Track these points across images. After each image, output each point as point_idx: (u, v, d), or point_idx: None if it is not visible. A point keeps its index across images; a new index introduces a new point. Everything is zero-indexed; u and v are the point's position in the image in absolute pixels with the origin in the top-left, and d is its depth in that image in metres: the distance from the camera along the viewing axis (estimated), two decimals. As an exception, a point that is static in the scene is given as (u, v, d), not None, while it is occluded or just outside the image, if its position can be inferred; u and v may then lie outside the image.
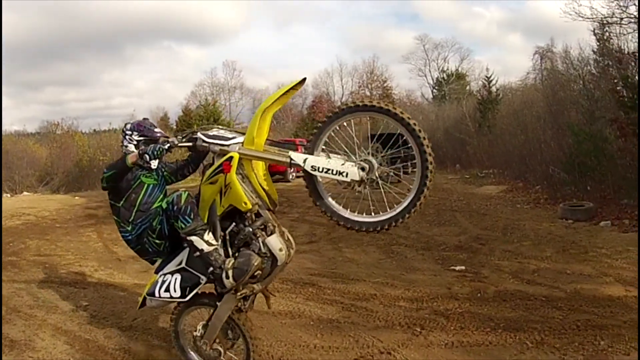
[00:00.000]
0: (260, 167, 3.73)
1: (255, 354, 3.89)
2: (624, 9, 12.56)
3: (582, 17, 13.71)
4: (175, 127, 38.48)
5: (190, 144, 3.72)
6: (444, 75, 48.05)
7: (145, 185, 3.99)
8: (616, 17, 12.91)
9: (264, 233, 3.68)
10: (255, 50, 71.35)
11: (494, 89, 29.74)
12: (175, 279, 3.74)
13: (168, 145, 3.68)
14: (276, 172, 21.14)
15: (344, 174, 3.31)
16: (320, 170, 3.36)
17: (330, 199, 3.55)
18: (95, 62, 64.42)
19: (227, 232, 3.67)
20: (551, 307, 5.68)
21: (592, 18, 13.60)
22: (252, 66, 68.13)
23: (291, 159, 3.46)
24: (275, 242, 3.65)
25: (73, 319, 5.83)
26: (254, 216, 3.64)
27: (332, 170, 3.34)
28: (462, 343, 4.82)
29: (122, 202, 3.91)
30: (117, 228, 4.08)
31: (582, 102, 14.61)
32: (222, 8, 69.50)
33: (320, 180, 3.51)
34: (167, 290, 3.73)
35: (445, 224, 11.31)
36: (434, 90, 48.44)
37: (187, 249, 3.74)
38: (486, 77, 30.64)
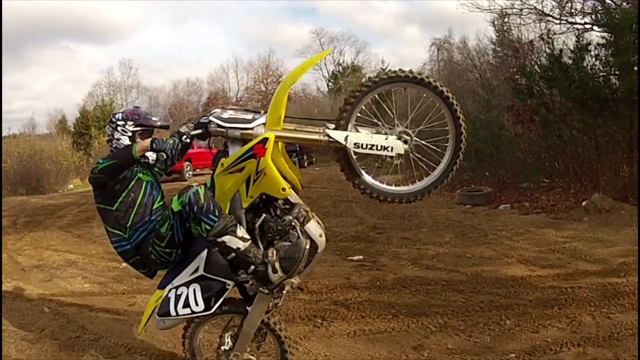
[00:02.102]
0: (282, 149, 3.45)
1: (291, 355, 3.67)
2: (524, 0, 13.04)
3: (479, 8, 14.07)
4: (72, 129, 37.46)
5: (200, 131, 3.36)
6: (340, 68, 48.82)
7: (144, 183, 3.58)
8: (516, 8, 13.41)
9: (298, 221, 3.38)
10: (153, 48, 69.78)
11: None
12: (194, 290, 3.36)
13: (185, 137, 3.35)
14: (174, 171, 20.38)
15: (389, 149, 3.27)
16: (364, 147, 3.26)
17: (366, 175, 3.44)
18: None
19: (257, 225, 3.34)
20: (453, 290, 5.73)
21: (490, 9, 14.02)
22: (149, 64, 67.71)
23: (329, 137, 3.26)
24: (315, 227, 3.39)
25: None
26: (281, 204, 3.37)
27: (377, 146, 3.27)
28: (365, 331, 4.82)
29: (116, 205, 3.48)
30: (108, 238, 3.66)
31: (479, 91, 14.99)
32: (120, 5, 66.51)
33: (354, 156, 3.37)
34: (187, 305, 3.34)
35: (342, 214, 11.24)
36: (330, 84, 48.82)
37: (204, 254, 3.37)
38: (382, 69, 31.21)
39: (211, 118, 3.32)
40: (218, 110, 3.40)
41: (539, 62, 11.76)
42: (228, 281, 3.35)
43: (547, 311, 4.93)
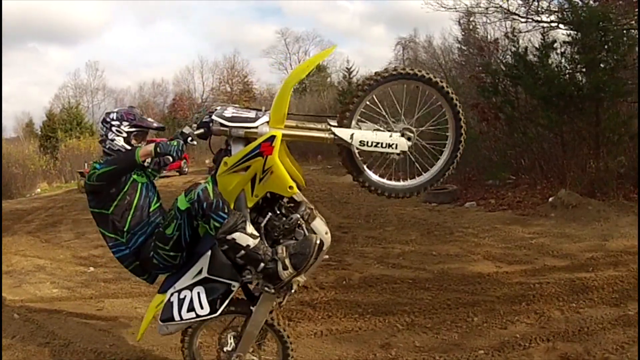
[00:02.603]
0: (284, 147, 3.43)
1: (294, 352, 3.67)
2: None
3: (444, 7, 13.99)
4: (40, 132, 36.95)
5: (202, 130, 3.29)
6: None
7: (140, 185, 3.50)
8: (481, 7, 13.39)
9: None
10: (119, 49, 68.36)
11: (354, 80, 30.94)
12: (198, 293, 3.32)
13: (191, 139, 3.26)
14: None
15: (394, 146, 3.30)
16: (369, 144, 3.29)
17: (368, 171, 3.45)
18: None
19: (262, 225, 3.30)
20: (419, 288, 5.71)
21: (455, 8, 14.03)
22: (115, 66, 66.53)
23: (335, 136, 3.26)
24: (320, 225, 3.36)
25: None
26: (286, 202, 3.34)
27: (382, 144, 3.30)
28: (332, 331, 4.79)
29: (112, 209, 3.39)
30: (105, 242, 3.56)
31: None
32: (86, 6, 64.85)
33: (357, 153, 3.38)
34: (192, 309, 3.30)
35: (307, 215, 11.05)
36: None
37: (207, 255, 3.31)
38: (347, 68, 31.83)
39: (214, 117, 3.25)
40: (218, 108, 3.37)
41: (504, 60, 11.86)
42: (233, 282, 3.32)
43: (514, 307, 4.93)
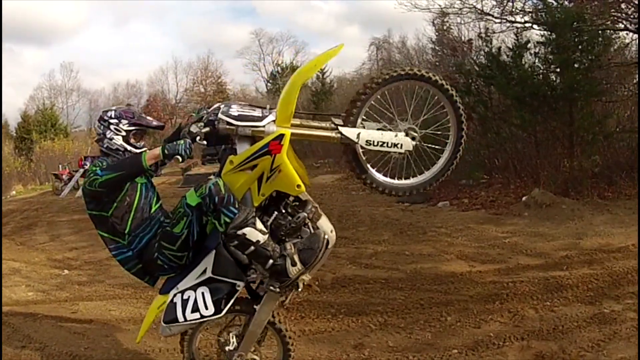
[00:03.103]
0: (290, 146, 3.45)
1: (294, 353, 3.70)
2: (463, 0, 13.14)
3: (417, 8, 13.88)
4: (14, 134, 37.08)
5: (208, 129, 3.27)
6: (279, 68, 48.94)
7: (139, 186, 3.41)
8: (455, 7, 13.39)
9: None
10: (94, 50, 67.71)
11: (328, 80, 30.99)
12: (202, 294, 3.30)
13: (199, 138, 3.23)
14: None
15: (399, 146, 3.34)
16: (376, 144, 3.33)
17: (372, 170, 3.50)
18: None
19: (268, 224, 3.30)
20: (392, 288, 5.71)
21: (429, 9, 14.03)
22: (89, 66, 68.14)
23: (342, 135, 3.29)
24: (326, 223, 3.42)
25: None
26: (291, 201, 3.38)
27: (387, 143, 3.34)
28: (305, 332, 4.79)
29: (111, 211, 3.31)
30: (104, 244, 3.50)
31: (417, 90, 14.80)
32: (61, 6, 63.95)
33: (361, 152, 3.43)
34: (196, 309, 3.28)
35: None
36: (269, 84, 48.75)
37: (211, 255, 3.29)
38: (320, 69, 31.25)
39: (220, 115, 3.24)
40: (222, 106, 3.36)
41: (477, 61, 11.93)
42: (238, 282, 3.32)
43: (488, 306, 4.94)
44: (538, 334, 4.26)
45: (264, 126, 3.19)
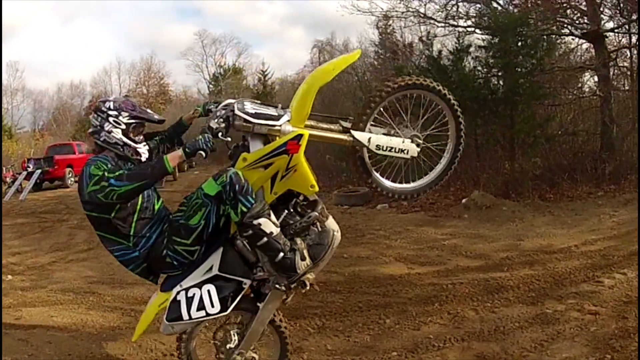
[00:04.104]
0: None
1: (291, 346, 3.75)
2: (406, 3, 13.39)
3: (360, 11, 14.27)
4: None
5: (224, 125, 3.30)
6: (221, 70, 49.67)
7: None
8: (397, 11, 13.70)
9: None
10: (38, 49, 65.91)
11: (269, 82, 31.88)
12: (208, 291, 3.31)
13: (221, 134, 3.22)
14: (55, 177, 20.63)
15: (405, 152, 3.52)
16: (384, 149, 3.48)
17: (376, 174, 3.66)
18: None
19: (279, 222, 3.32)
20: (330, 291, 5.63)
21: (371, 12, 14.29)
22: (34, 66, 66.60)
23: (354, 138, 3.42)
24: (333, 223, 3.50)
25: None
26: (301, 200, 3.46)
27: (395, 149, 3.50)
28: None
29: (114, 213, 3.22)
30: (103, 244, 3.42)
31: (357, 93, 15.32)
32: (6, 3, 61.81)
33: (368, 157, 3.60)
34: (202, 307, 3.28)
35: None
36: (211, 86, 49.15)
37: (218, 252, 3.32)
38: (262, 71, 32.49)
39: (237, 112, 3.28)
40: (235, 102, 3.39)
41: (417, 64, 12.03)
42: (245, 280, 3.35)
43: (427, 308, 4.92)
44: (479, 335, 4.23)
45: (280, 125, 3.27)
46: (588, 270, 5.49)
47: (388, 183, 3.71)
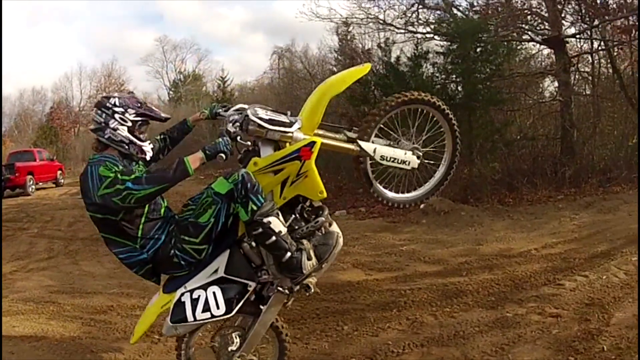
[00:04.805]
0: None
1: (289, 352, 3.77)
2: (365, 10, 13.46)
3: (319, 17, 14.28)
4: None
5: (237, 129, 3.39)
6: (181, 76, 49.83)
7: None
8: (357, 17, 13.76)
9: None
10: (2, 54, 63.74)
11: (229, 88, 31.78)
12: (214, 293, 3.32)
13: (240, 138, 3.30)
14: (16, 185, 20.25)
15: (407, 163, 3.64)
16: (388, 159, 3.61)
17: (377, 183, 3.79)
18: None
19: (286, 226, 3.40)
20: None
21: (330, 18, 14.33)
22: None
23: (361, 148, 3.54)
24: (337, 228, 3.61)
25: None
26: (307, 205, 3.55)
27: (398, 160, 3.62)
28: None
29: (121, 215, 3.17)
30: (106, 245, 3.38)
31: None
32: None
33: (370, 166, 3.72)
34: (207, 309, 3.28)
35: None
36: (171, 92, 49.51)
37: (225, 254, 3.33)
38: (221, 77, 32.54)
39: (251, 117, 3.31)
40: (247, 107, 3.46)
41: (375, 71, 12.09)
42: (250, 282, 3.38)
43: (385, 314, 4.91)
44: (438, 340, 4.22)
45: (293, 132, 3.34)
46: (549, 273, 5.55)
47: (389, 193, 3.81)
